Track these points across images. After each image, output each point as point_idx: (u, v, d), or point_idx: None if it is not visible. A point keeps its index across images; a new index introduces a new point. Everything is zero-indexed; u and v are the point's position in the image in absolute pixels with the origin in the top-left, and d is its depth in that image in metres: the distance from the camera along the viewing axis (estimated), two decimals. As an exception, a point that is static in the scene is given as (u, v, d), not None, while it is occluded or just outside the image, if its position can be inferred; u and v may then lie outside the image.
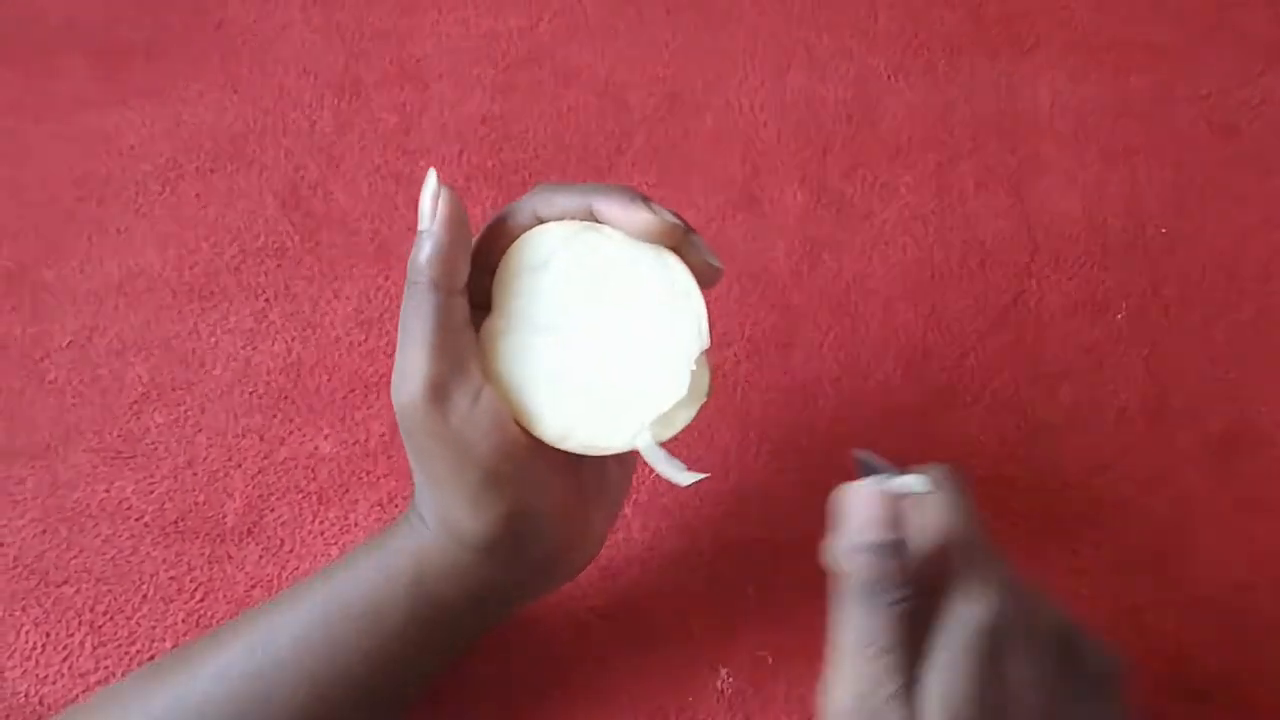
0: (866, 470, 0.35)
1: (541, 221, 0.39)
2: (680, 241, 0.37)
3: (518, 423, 0.38)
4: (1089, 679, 0.35)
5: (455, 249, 0.37)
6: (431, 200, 0.37)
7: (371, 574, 0.40)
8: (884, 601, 0.33)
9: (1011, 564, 0.34)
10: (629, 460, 0.44)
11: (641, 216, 0.36)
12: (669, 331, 0.38)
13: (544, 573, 0.42)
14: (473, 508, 0.38)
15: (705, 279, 0.38)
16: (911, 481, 0.34)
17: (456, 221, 0.37)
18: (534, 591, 0.44)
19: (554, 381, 0.38)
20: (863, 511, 0.34)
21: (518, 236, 0.39)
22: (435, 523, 0.39)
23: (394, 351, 0.53)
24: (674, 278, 0.37)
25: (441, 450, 0.37)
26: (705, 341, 0.37)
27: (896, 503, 0.33)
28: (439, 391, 0.36)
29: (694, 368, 0.37)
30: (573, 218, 0.38)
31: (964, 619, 0.32)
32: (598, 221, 0.38)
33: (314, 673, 0.39)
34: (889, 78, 0.63)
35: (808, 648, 0.47)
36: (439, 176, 0.38)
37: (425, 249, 0.37)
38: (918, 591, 0.33)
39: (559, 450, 0.39)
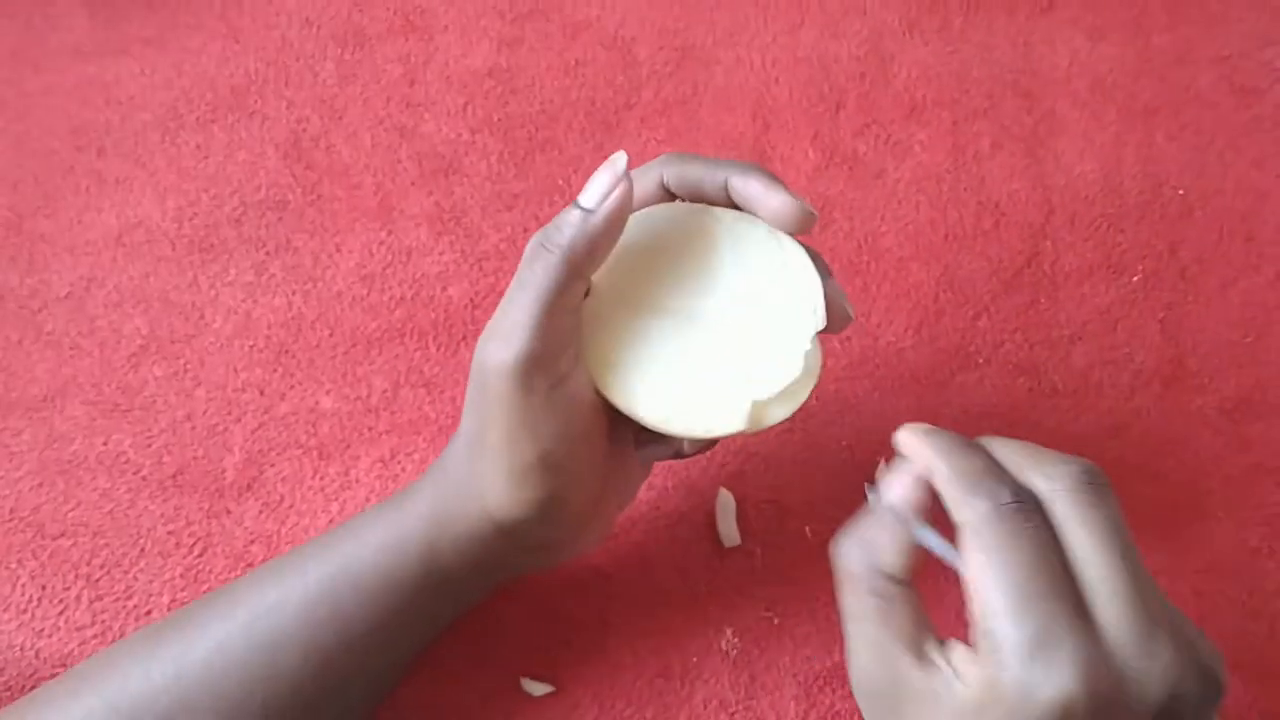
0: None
1: (666, 190, 0.38)
2: (807, 228, 0.37)
3: (612, 402, 0.37)
4: None
5: (607, 240, 0.36)
6: (610, 182, 0.35)
7: (382, 539, 0.40)
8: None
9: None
10: (651, 460, 0.43)
11: (780, 200, 0.36)
12: (784, 312, 0.37)
13: (553, 554, 0.42)
14: (513, 485, 0.37)
15: (836, 325, 0.38)
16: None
17: (622, 217, 0.36)
18: (537, 568, 0.44)
19: (661, 364, 0.37)
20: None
21: (634, 210, 0.38)
22: (466, 486, 0.39)
23: (396, 306, 0.53)
24: (788, 258, 0.37)
25: (507, 419, 0.36)
26: (822, 321, 0.37)
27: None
28: (530, 367, 0.35)
29: (809, 347, 0.37)
30: (705, 190, 0.37)
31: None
32: (730, 197, 0.37)
33: (321, 644, 0.39)
34: (904, 34, 0.61)
35: (813, 610, 0.47)
36: (627, 162, 0.36)
37: (576, 227, 0.35)
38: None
39: (609, 444, 0.38)
